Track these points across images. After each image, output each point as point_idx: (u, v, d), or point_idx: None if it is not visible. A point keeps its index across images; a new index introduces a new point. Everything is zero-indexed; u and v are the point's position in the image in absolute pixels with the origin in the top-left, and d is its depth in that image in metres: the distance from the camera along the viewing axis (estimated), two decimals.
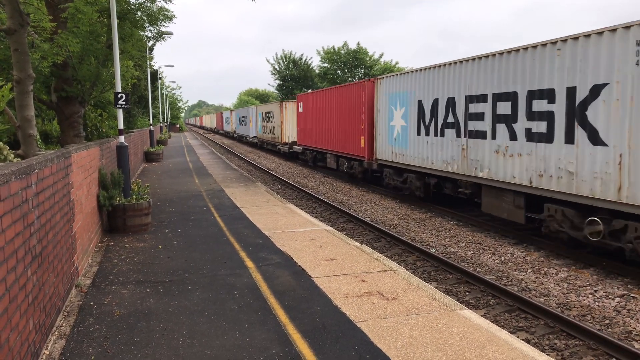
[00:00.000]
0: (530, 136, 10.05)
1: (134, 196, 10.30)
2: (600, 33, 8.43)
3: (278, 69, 63.95)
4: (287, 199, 16.29)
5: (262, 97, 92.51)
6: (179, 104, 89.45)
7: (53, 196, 5.66)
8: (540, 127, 9.79)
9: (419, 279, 7.01)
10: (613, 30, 8.19)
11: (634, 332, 6.39)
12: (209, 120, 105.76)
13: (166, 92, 67.26)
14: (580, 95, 8.86)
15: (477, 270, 8.89)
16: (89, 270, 7.46)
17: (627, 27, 7.92)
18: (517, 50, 10.35)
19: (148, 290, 6.58)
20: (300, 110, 27.23)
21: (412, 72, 14.93)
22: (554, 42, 9.38)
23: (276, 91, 67.45)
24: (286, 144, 30.86)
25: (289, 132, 30.97)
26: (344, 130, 19.94)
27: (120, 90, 11.33)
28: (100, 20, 11.90)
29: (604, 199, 8.37)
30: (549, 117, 9.56)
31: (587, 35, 8.66)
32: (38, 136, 10.01)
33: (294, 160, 30.69)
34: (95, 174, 9.29)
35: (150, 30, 14.06)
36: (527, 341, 6.12)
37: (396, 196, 16.49)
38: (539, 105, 9.79)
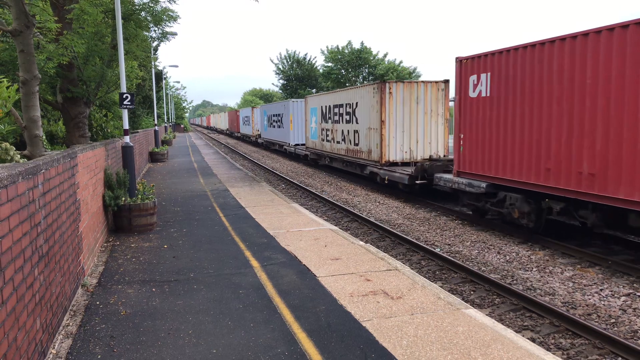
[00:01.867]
0: None
1: (140, 196, 10.35)
2: None
3: (282, 68, 64.03)
4: (291, 198, 16.32)
5: (266, 97, 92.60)
6: (184, 104, 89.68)
7: (59, 196, 5.70)
8: None
9: (424, 278, 7.01)
10: None
11: None
12: (219, 120, 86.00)
13: (171, 93, 67.49)
14: None
15: (482, 270, 8.88)
16: (95, 270, 7.50)
17: None
18: None
19: (154, 289, 6.61)
20: (472, 93, 11.90)
21: None
22: None
23: (280, 91, 67.52)
24: (392, 164, 16.65)
25: (400, 143, 16.76)
26: None
27: (125, 91, 11.39)
28: (105, 21, 11.95)
29: None
30: None
31: None
32: (44, 137, 10.06)
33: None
34: (101, 174, 9.33)
35: (154, 30, 14.11)
36: (533, 340, 6.11)
37: (400, 195, 16.47)
38: None
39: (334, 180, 21.00)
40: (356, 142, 19.27)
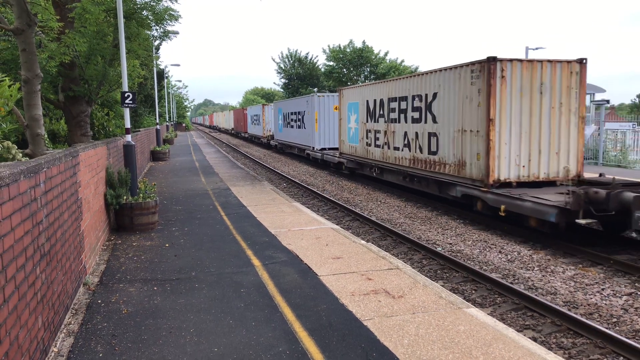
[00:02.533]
0: None
1: (141, 195, 10.36)
2: None
3: (283, 67, 64.01)
4: (293, 197, 16.32)
5: (268, 96, 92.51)
6: (185, 103, 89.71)
7: (61, 195, 5.70)
8: None
9: (425, 277, 7.01)
10: None
11: None
12: (223, 119, 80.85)
13: (172, 92, 67.50)
14: None
15: (483, 269, 8.87)
16: (97, 269, 7.51)
17: None
18: None
19: (155, 288, 6.62)
20: None
21: None
22: None
23: (282, 90, 67.54)
24: (503, 184, 11.53)
25: (515, 153, 11.61)
26: None
27: (127, 90, 11.40)
28: (107, 19, 11.95)
29: None
30: None
31: None
32: (46, 135, 10.06)
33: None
34: (102, 173, 9.34)
35: (156, 29, 14.10)
36: (534, 339, 6.10)
37: (402, 194, 16.46)
38: None
39: (335, 179, 20.96)
40: (432, 149, 13.78)
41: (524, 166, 11.65)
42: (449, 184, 13.16)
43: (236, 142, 52.35)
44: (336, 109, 23.41)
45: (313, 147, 25.41)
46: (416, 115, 14.81)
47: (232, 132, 64.42)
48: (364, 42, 55.55)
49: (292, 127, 30.11)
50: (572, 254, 9.57)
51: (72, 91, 11.61)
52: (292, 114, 30.05)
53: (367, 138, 18.65)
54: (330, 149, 24.63)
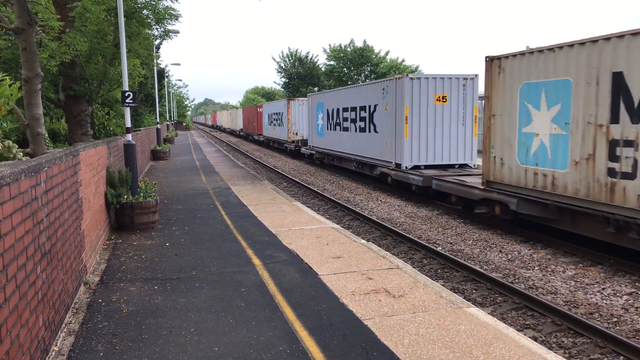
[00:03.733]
0: None
1: (142, 194, 10.36)
2: None
3: (284, 67, 64.03)
4: (293, 196, 16.32)
5: (268, 95, 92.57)
6: (186, 103, 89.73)
7: (62, 194, 5.71)
8: None
9: (426, 277, 7.01)
10: None
11: None
12: (229, 119, 71.06)
13: (173, 91, 67.50)
14: None
15: (483, 268, 8.87)
16: (97, 268, 7.52)
17: None
18: None
19: (156, 287, 6.62)
20: None
21: None
22: None
23: (282, 89, 67.54)
24: None
25: None
26: None
27: (127, 89, 11.40)
28: (107, 19, 11.95)
29: None
30: None
31: None
32: (46, 135, 10.06)
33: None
34: (103, 172, 9.34)
35: (156, 28, 14.10)
36: (535, 339, 6.10)
37: (402, 194, 16.45)
38: None
39: (335, 179, 20.96)
40: None
41: None
42: None
43: (247, 147, 44.08)
44: (439, 100, 15.56)
45: (398, 164, 16.03)
46: None
47: (241, 133, 54.47)
48: (364, 42, 55.53)
49: (345, 129, 20.88)
50: (573, 253, 9.57)
51: (73, 90, 11.62)
52: (346, 110, 20.74)
53: (615, 160, 8.38)
54: (427, 167, 15.77)
